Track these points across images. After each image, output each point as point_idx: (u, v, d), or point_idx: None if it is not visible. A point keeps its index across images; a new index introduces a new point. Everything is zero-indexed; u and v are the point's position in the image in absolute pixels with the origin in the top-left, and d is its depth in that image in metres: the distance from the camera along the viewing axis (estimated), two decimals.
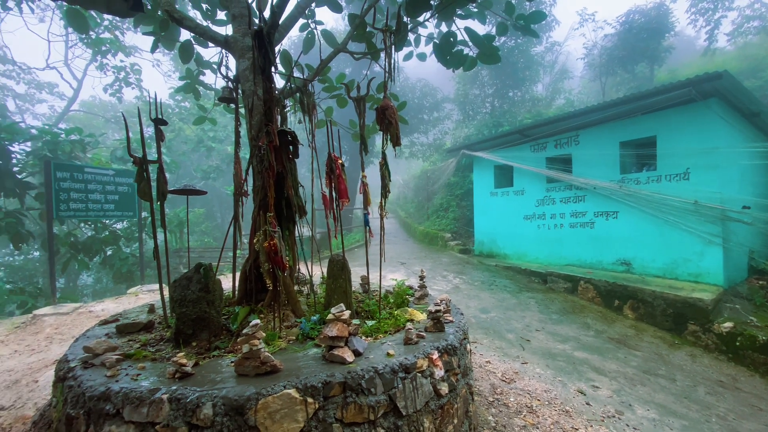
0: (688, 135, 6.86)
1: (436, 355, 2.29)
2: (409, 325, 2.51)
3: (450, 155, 15.30)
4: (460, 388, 2.50)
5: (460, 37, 4.87)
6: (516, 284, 8.39)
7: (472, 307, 6.81)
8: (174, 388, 1.85)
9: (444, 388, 2.29)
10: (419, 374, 2.17)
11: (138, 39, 19.92)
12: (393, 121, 2.75)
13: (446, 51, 4.91)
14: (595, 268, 8.30)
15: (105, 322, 3.19)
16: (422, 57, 5.77)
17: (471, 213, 13.43)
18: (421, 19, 4.61)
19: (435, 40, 5.00)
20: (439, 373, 2.28)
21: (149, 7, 4.89)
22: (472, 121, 17.88)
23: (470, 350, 2.98)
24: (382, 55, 3.90)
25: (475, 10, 5.02)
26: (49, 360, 4.23)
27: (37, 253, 14.63)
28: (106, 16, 13.28)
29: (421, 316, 3.05)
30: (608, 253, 8.13)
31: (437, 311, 2.65)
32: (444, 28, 5.63)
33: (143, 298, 6.73)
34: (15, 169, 9.32)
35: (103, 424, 1.86)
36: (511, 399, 3.59)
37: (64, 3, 3.72)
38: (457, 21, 5.06)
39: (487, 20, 12.37)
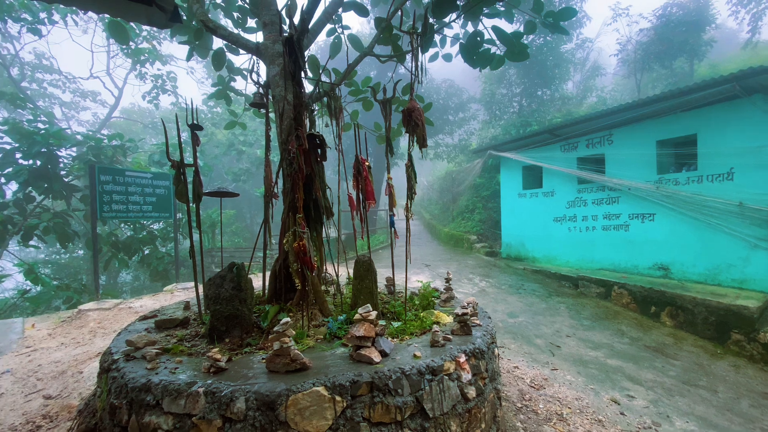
0: (731, 133, 6.47)
1: (463, 359, 2.27)
2: (435, 327, 2.50)
3: (476, 156, 15.09)
4: (488, 392, 2.46)
5: (487, 36, 4.81)
6: (545, 288, 8.16)
7: (500, 311, 6.69)
8: (209, 382, 1.94)
9: (471, 392, 2.27)
10: (446, 377, 2.16)
11: (173, 48, 20.88)
12: (419, 123, 2.76)
13: (473, 51, 4.86)
14: (630, 272, 7.96)
15: (144, 318, 3.36)
16: (448, 58, 5.74)
17: (498, 215, 13.18)
18: (447, 19, 4.60)
19: (461, 41, 4.96)
20: (466, 376, 2.26)
21: (185, 18, 5.12)
22: (498, 121, 17.56)
23: (498, 355, 2.94)
24: (408, 56, 3.92)
25: (503, 8, 4.95)
26: (93, 352, 4.48)
27: (81, 252, 15.55)
28: (144, 27, 14.01)
29: (447, 319, 3.03)
30: (644, 257, 7.78)
31: (464, 314, 2.63)
32: (470, 27, 5.58)
33: (178, 295, 7.03)
34: (62, 172, 9.96)
35: (144, 414, 1.96)
36: (540, 406, 3.50)
37: (107, 16, 3.97)
38: (484, 20, 5.00)
39: (515, 18, 12.16)
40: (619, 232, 8.24)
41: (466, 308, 2.69)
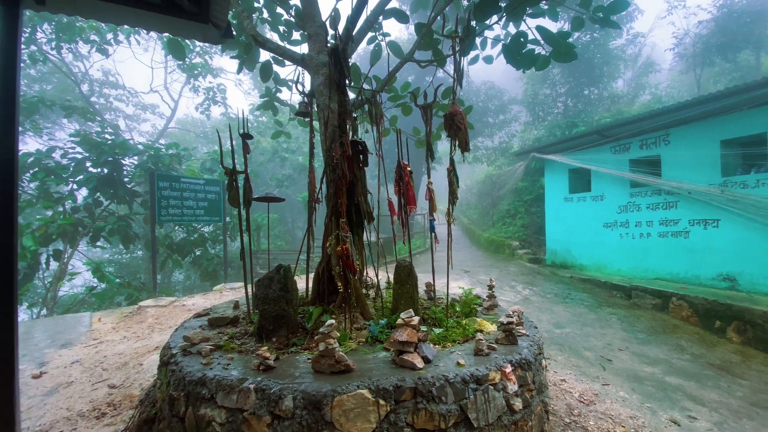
0: None
1: (509, 369, 2.20)
2: (479, 335, 2.45)
3: (518, 159, 14.66)
4: (535, 405, 2.37)
5: (530, 36, 4.68)
6: (594, 298, 7.73)
7: (545, 320, 6.42)
8: (259, 379, 2.02)
9: (518, 404, 2.20)
10: (491, 387, 2.11)
11: (223, 61, 22.20)
12: (462, 127, 2.73)
13: (516, 52, 4.74)
14: (691, 283, 7.34)
15: (198, 315, 3.57)
16: (489, 60, 5.64)
17: (541, 220, 12.70)
18: (488, 21, 4.53)
19: (503, 42, 4.86)
20: (512, 387, 2.19)
21: (235, 34, 5.43)
22: (542, 123, 16.96)
23: (545, 366, 2.82)
24: (448, 60, 3.90)
25: (546, 7, 4.80)
26: (152, 346, 4.82)
27: (140, 253, 16.80)
28: (198, 43, 14.99)
29: (490, 327, 2.96)
30: (707, 266, 7.15)
31: (509, 323, 2.55)
32: (512, 28, 5.46)
33: (226, 294, 7.39)
34: (125, 179, 10.85)
35: (199, 406, 2.08)
36: (591, 422, 3.31)
37: (167, 34, 4.29)
38: (527, 20, 4.87)
39: (560, 16, 11.72)
40: (678, 239, 7.64)
41: (512, 317, 2.62)
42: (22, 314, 11.39)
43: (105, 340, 5.17)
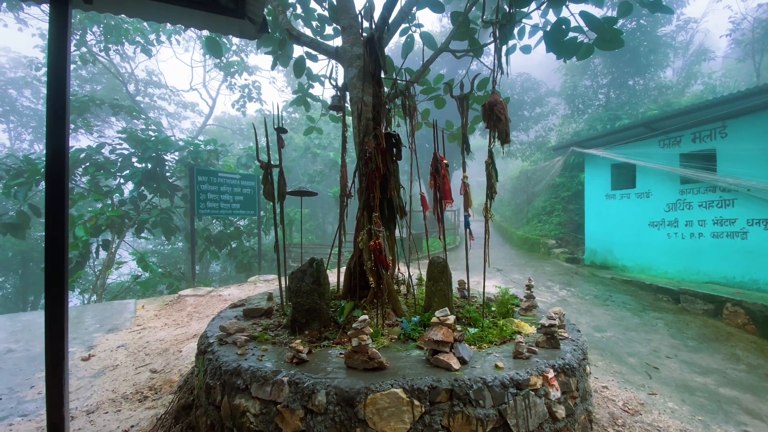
0: None
1: (551, 374, 2.08)
2: (518, 337, 2.34)
3: (556, 153, 14.10)
4: (579, 413, 2.23)
5: (573, 23, 4.41)
6: (638, 301, 7.31)
7: (584, 323, 6.13)
8: (293, 372, 2.02)
9: (560, 411, 2.07)
10: (532, 392, 2.00)
11: (258, 60, 22.78)
12: (502, 118, 2.61)
13: (558, 40, 4.49)
14: (748, 288, 6.77)
15: (234, 306, 3.65)
16: (526, 50, 5.38)
17: (580, 218, 12.18)
18: (527, 9, 4.31)
19: (543, 29, 4.61)
20: (554, 394, 2.07)
21: (270, 29, 5.50)
22: (582, 116, 16.20)
23: (589, 373, 2.66)
24: (485, 50, 3.74)
25: None
26: (190, 334, 5.00)
27: (181, 244, 17.63)
28: (234, 41, 15.43)
29: (529, 329, 2.83)
30: (767, 270, 6.57)
31: (551, 325, 2.42)
32: (551, 16, 5.18)
33: (260, 286, 7.59)
34: (167, 174, 11.37)
35: (234, 396, 2.11)
36: None
37: (205, 33, 4.39)
38: (570, 6, 4.59)
39: (605, 1, 11.10)
40: (734, 241, 7.06)
41: (554, 319, 2.48)
42: (75, 299, 12.23)
43: (148, 326, 5.43)
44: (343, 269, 3.75)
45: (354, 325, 2.10)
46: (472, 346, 2.49)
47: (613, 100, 15.29)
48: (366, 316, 2.16)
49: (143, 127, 11.82)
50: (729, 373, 4.71)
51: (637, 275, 8.71)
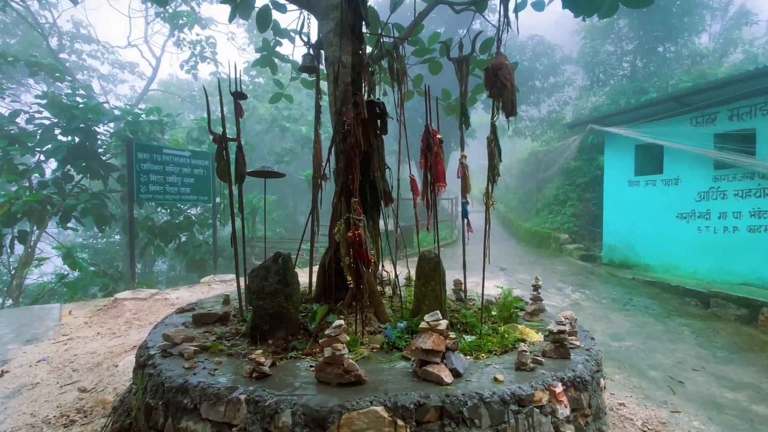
0: None
1: (559, 388, 2.13)
2: (522, 345, 2.38)
3: (571, 132, 14.28)
4: None
5: None
6: (662, 306, 7.54)
7: (599, 331, 6.30)
8: (252, 388, 2.01)
9: None
10: (537, 410, 2.04)
11: (213, 10, 22.22)
12: (508, 84, 2.61)
13: None
14: None
15: (182, 311, 3.61)
16: (539, 6, 5.38)
17: (598, 208, 12.42)
18: None
19: None
20: (563, 411, 2.12)
21: None
22: (602, 88, 16.40)
23: (604, 387, 2.73)
24: (490, 4, 3.72)
25: None
26: (128, 345, 4.94)
27: (118, 237, 17.27)
28: None
29: (535, 337, 2.88)
30: None
31: (560, 332, 2.47)
32: None
33: (216, 288, 7.51)
34: (100, 150, 11.05)
35: (180, 418, 2.09)
36: None
37: None
38: None
39: None
40: None
41: (563, 324, 2.53)
42: None
43: (76, 336, 5.33)
44: (316, 267, 3.73)
45: (327, 332, 2.10)
46: (468, 356, 2.52)
47: (640, 70, 15.50)
48: (342, 322, 2.15)
49: (69, 91, 11.41)
50: (764, 387, 4.92)
51: (662, 275, 8.96)
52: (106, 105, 12.03)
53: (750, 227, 7.68)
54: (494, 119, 2.77)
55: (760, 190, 7.53)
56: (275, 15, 5.60)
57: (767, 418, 4.24)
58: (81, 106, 10.40)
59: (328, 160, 3.51)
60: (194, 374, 2.22)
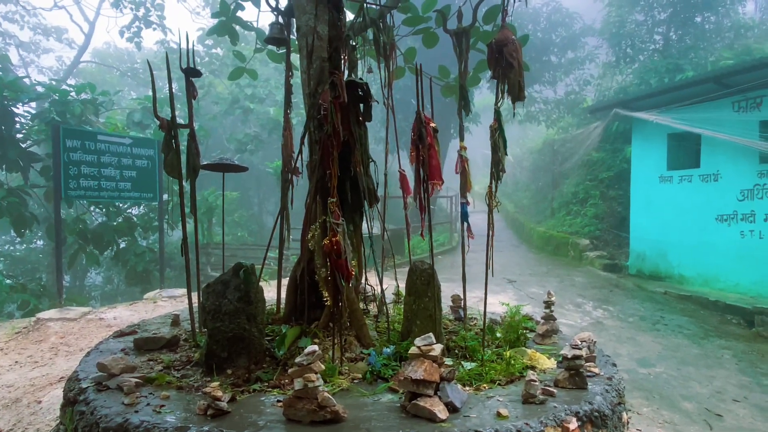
0: None
1: (574, 425, 2.18)
2: (530, 374, 2.43)
3: (593, 118, 14.51)
4: None
5: None
6: (699, 324, 7.72)
7: (624, 355, 6.42)
8: (206, 429, 2.01)
9: None
10: None
11: None
12: (515, 63, 2.65)
13: None
14: None
15: (121, 334, 3.59)
16: None
17: (624, 208, 12.63)
18: None
19: None
20: None
21: None
22: (630, 65, 16.68)
23: (627, 422, 2.80)
24: None
25: None
26: (54, 376, 4.89)
27: (40, 243, 17.01)
28: None
29: (547, 363, 2.93)
30: None
31: (575, 357, 2.52)
32: None
33: (163, 305, 7.47)
34: (18, 135, 10.88)
35: None
36: None
37: None
38: None
39: None
40: None
41: (579, 348, 2.58)
42: None
43: None
44: (286, 280, 3.74)
45: (297, 360, 2.12)
46: (467, 388, 2.56)
47: (674, 44, 15.80)
48: (316, 347, 2.17)
49: None
50: None
51: (699, 288, 9.17)
52: (26, 80, 11.87)
53: None
54: (498, 105, 2.82)
55: None
56: None
57: None
58: None
59: (301, 151, 3.53)
60: (136, 412, 2.21)
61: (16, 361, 5.40)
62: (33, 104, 11.55)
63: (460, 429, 2.02)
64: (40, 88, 11.33)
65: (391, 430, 2.00)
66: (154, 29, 17.80)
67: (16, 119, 10.79)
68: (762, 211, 8.44)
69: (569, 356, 2.54)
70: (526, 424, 2.11)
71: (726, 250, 9.02)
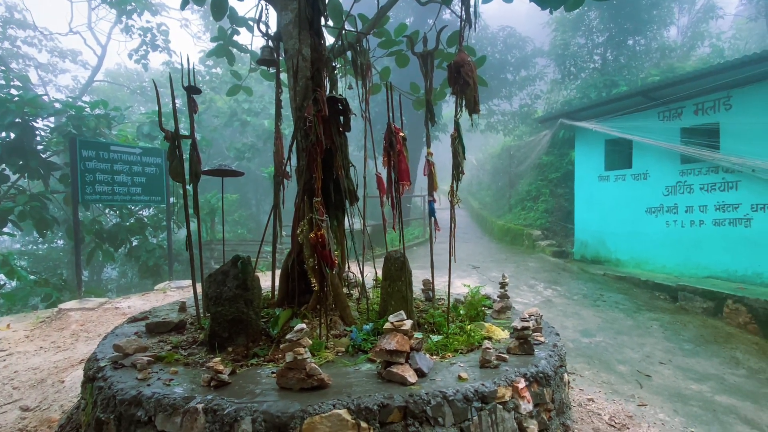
0: None
1: (522, 384, 2.26)
2: (486, 343, 2.50)
3: (543, 127, 14.68)
4: (554, 428, 2.44)
5: None
6: (632, 300, 7.90)
7: (570, 327, 6.56)
8: (210, 397, 2.03)
9: (532, 427, 2.26)
10: (500, 406, 2.16)
11: None
12: (470, 81, 2.71)
13: None
14: (751, 282, 7.53)
15: (134, 320, 3.56)
16: None
17: (569, 204, 12.84)
18: None
19: None
20: (525, 406, 2.25)
21: None
22: (574, 81, 16.93)
23: (568, 382, 2.89)
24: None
25: None
26: (76, 359, 4.82)
27: (61, 242, 16.61)
28: None
29: (502, 334, 3.01)
30: None
31: (524, 328, 2.60)
32: None
33: (171, 295, 7.38)
34: (39, 147, 10.61)
35: None
36: None
37: None
38: None
39: None
40: (737, 228, 7.80)
41: (527, 321, 2.66)
42: None
43: (16, 351, 5.15)
44: (279, 270, 3.75)
45: (288, 337, 2.15)
46: (434, 356, 2.63)
47: (611, 63, 16.10)
48: (304, 325, 2.21)
49: (2, 82, 10.90)
50: (727, 378, 5.26)
51: (633, 270, 9.38)
52: (45, 97, 11.55)
53: (715, 221, 8.14)
54: (458, 117, 2.87)
55: (724, 184, 7.99)
56: (232, 2, 5.56)
57: (730, 408, 4.55)
58: (16, 99, 9.95)
59: (289, 158, 3.55)
60: (148, 385, 2.22)
61: (41, 347, 5.31)
62: (52, 119, 11.26)
63: (427, 390, 2.08)
64: (57, 105, 11.05)
65: (369, 393, 2.05)
66: (160, 52, 17.47)
67: (37, 132, 10.52)
68: (683, 204, 8.67)
69: (519, 327, 2.63)
70: (483, 384, 2.17)
71: (654, 238, 9.25)
